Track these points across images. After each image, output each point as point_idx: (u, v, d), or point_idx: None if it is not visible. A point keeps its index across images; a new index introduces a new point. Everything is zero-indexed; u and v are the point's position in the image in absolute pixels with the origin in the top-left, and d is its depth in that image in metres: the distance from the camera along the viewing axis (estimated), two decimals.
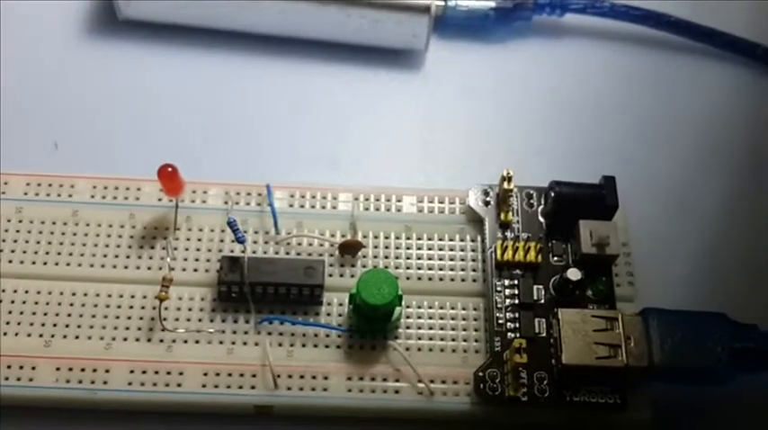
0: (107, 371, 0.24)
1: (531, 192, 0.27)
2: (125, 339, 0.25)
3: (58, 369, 0.24)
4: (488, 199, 0.27)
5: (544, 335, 0.25)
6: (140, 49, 0.32)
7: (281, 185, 0.27)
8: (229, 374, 0.25)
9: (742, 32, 0.33)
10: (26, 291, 0.25)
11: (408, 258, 0.27)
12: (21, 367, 0.24)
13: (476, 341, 0.26)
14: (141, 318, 0.25)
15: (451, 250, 0.27)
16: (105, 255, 0.26)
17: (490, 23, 0.32)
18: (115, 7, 0.31)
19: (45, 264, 0.26)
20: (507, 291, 0.26)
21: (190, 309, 0.26)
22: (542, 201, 0.27)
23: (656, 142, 0.31)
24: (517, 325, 0.25)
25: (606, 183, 0.27)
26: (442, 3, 0.32)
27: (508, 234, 0.27)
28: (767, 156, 0.31)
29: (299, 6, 0.30)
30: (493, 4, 0.32)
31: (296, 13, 0.30)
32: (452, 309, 0.26)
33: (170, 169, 0.25)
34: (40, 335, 0.25)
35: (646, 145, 0.31)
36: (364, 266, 0.26)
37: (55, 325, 0.25)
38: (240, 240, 0.25)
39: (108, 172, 0.28)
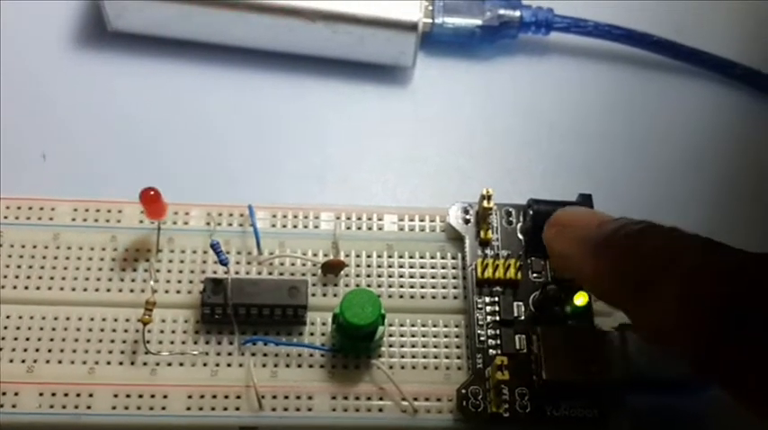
0: (91, 395, 0.24)
1: (510, 209, 0.28)
2: (108, 363, 0.25)
3: (41, 394, 0.24)
4: (468, 217, 0.28)
5: (525, 351, 0.26)
6: (127, 61, 0.32)
7: (263, 206, 0.27)
8: (214, 396, 0.25)
9: (722, 52, 0.33)
10: (7, 316, 0.25)
11: (390, 276, 0.27)
12: (3, 393, 0.24)
13: (458, 358, 0.26)
14: (124, 342, 0.25)
15: (433, 268, 0.27)
16: (87, 279, 0.26)
17: (476, 41, 0.33)
18: (105, 19, 0.31)
19: (26, 288, 0.26)
20: (488, 308, 0.26)
21: (173, 332, 0.26)
22: (521, 219, 0.28)
23: (637, 160, 0.32)
24: (498, 341, 0.26)
25: (583, 200, 0.27)
26: (430, 20, 0.32)
27: (488, 251, 0.27)
28: (745, 175, 0.32)
29: (286, 22, 0.30)
30: (479, 22, 0.32)
31: (283, 29, 0.30)
32: (434, 326, 0.26)
33: (152, 192, 0.25)
34: (23, 361, 0.25)
35: (628, 162, 0.32)
36: (347, 285, 0.27)
37: (37, 349, 0.25)
38: (223, 262, 0.26)
39: (90, 190, 0.28)
